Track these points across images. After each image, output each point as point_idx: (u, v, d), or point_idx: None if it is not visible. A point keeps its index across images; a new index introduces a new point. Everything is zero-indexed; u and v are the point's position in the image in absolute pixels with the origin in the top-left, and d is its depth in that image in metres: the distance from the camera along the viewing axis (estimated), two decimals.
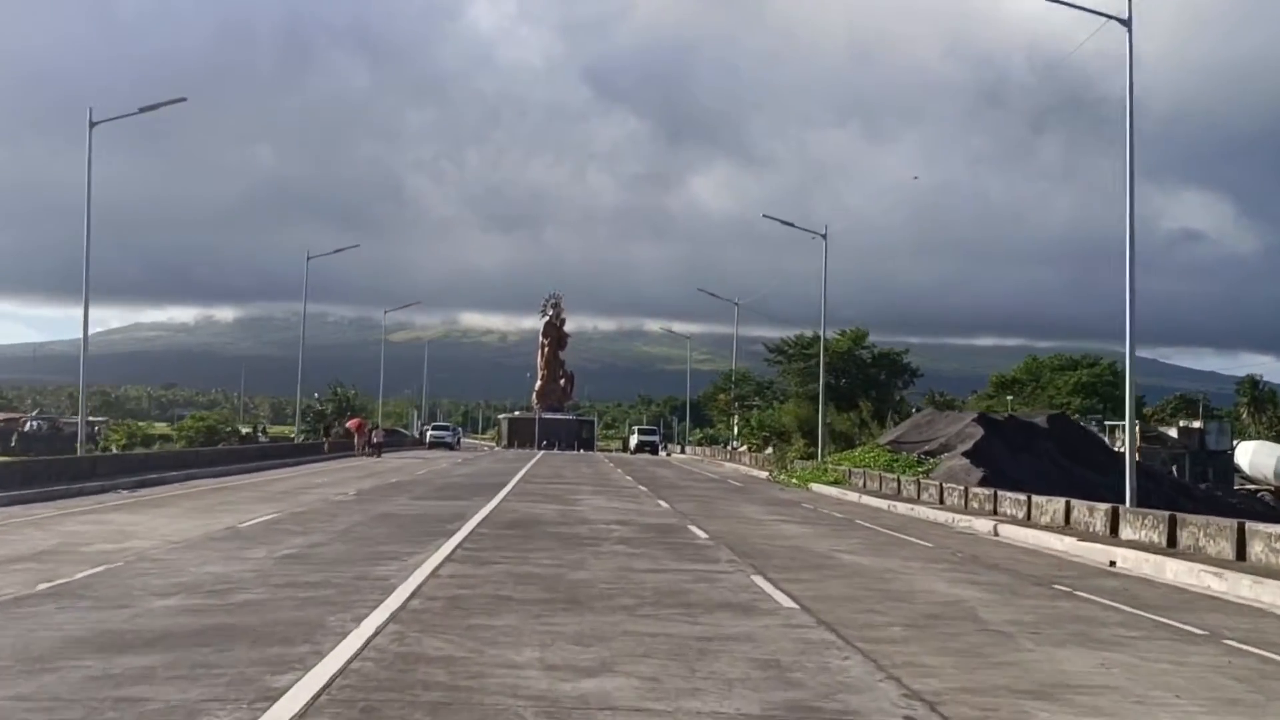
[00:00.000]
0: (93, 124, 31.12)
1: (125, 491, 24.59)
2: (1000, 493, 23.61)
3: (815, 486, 35.17)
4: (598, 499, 25.80)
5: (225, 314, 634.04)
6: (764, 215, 44.29)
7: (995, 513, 23.16)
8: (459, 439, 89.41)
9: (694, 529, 18.63)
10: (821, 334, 43.48)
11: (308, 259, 52.68)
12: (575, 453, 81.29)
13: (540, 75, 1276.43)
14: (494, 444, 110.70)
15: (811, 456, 43.51)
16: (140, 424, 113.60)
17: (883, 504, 27.74)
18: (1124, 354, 25.01)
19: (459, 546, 14.42)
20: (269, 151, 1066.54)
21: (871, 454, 37.66)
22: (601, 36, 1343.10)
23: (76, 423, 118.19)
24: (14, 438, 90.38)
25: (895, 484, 30.53)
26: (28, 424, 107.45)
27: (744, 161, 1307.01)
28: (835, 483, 35.16)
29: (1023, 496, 22.30)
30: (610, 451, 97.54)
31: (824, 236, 41.66)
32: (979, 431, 37.65)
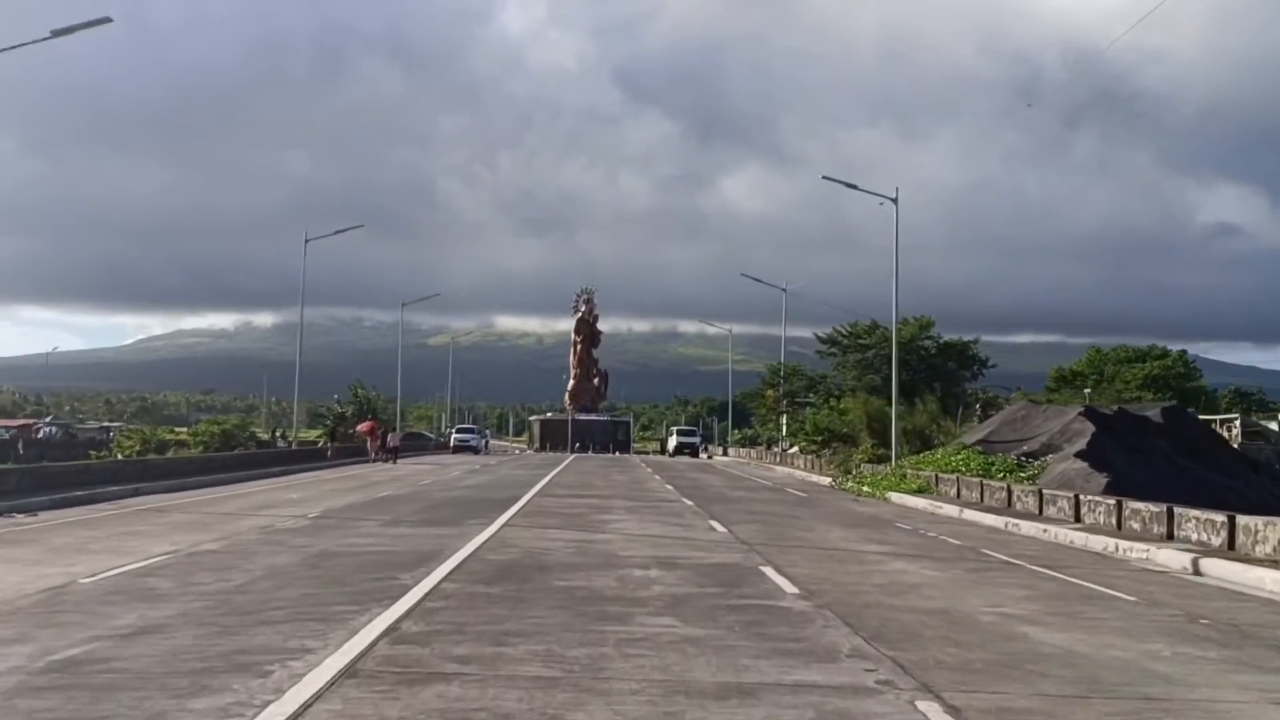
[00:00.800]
0: None
1: (21, 516, 19.02)
2: (1177, 509, 17.42)
3: (895, 496, 29.06)
4: (631, 520, 19.89)
5: (264, 319, 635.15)
6: (823, 177, 38.04)
7: (1171, 537, 17.00)
8: (486, 443, 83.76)
9: (772, 574, 12.63)
10: (894, 308, 37.11)
11: (306, 241, 47.15)
12: (609, 456, 75.99)
13: (571, 78, 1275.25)
14: (526, 447, 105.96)
15: (881, 459, 37.36)
16: (159, 429, 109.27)
17: (996, 521, 21.61)
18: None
19: (392, 630, 8.53)
20: (304, 158, 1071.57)
21: (959, 456, 31.47)
22: (632, 38, 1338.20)
23: (91, 428, 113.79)
24: (20, 444, 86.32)
25: (1004, 494, 24.35)
26: (40, 430, 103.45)
27: (776, 161, 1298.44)
28: (919, 491, 29.03)
29: (1219, 516, 16.12)
30: (647, 454, 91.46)
31: (895, 200, 35.53)
32: (1088, 428, 31.38)
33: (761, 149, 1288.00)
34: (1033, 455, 30.49)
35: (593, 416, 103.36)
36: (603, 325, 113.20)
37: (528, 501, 24.54)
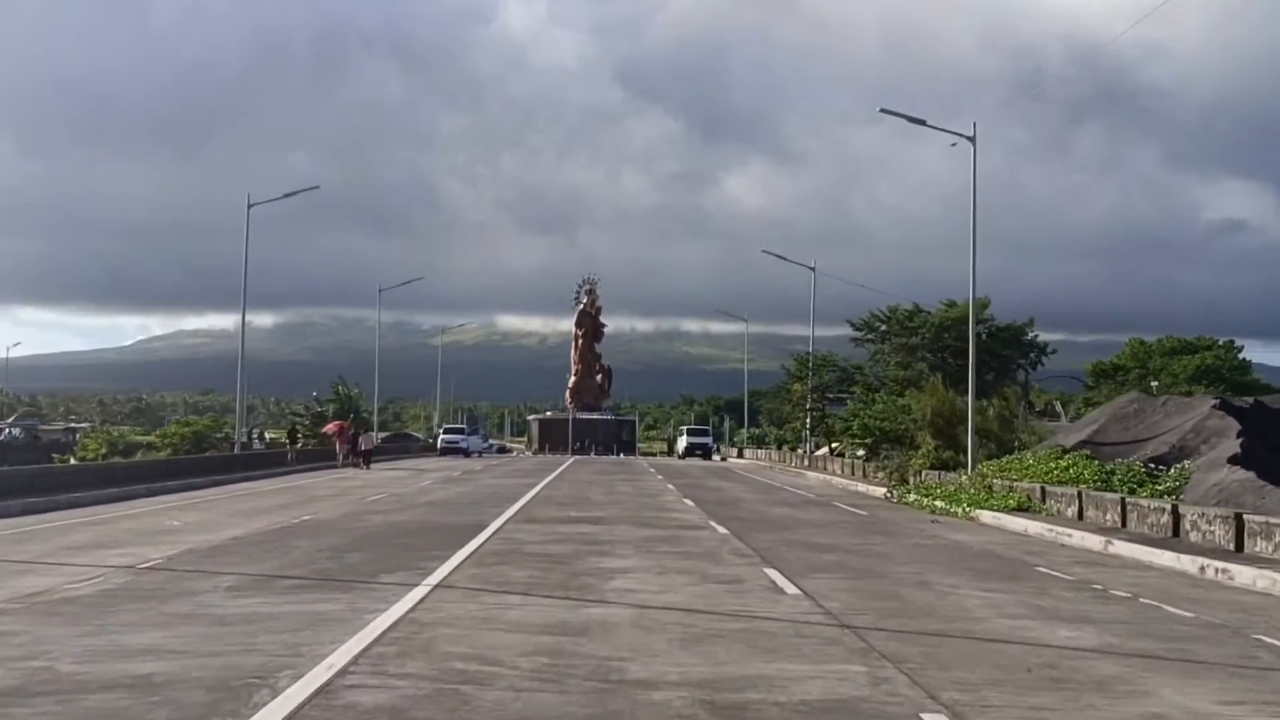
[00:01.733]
0: None
1: None
2: None
3: (987, 516, 22.03)
4: (644, 570, 12.85)
5: (264, 320, 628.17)
6: (881, 110, 30.51)
7: None
8: (489, 444, 76.13)
9: None
10: (972, 271, 29.79)
11: (249, 205, 39.94)
12: (613, 458, 69.57)
13: (573, 76, 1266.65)
14: (525, 449, 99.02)
15: (947, 465, 30.37)
16: (129, 431, 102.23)
17: (1177, 561, 14.63)
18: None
19: None
20: (304, 158, 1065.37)
21: (1062, 463, 24.46)
22: (633, 35, 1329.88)
23: (56, 429, 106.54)
24: None
25: (1164, 517, 17.33)
26: (4, 432, 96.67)
27: (779, 158, 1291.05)
28: (1020, 509, 22.06)
29: None
30: (653, 455, 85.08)
31: (972, 140, 28.43)
32: (1230, 425, 24.34)
33: (764, 146, 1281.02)
34: (1161, 460, 23.49)
35: (595, 415, 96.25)
36: (605, 324, 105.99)
37: (497, 530, 17.56)
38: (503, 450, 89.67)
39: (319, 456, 46.66)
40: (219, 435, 79.88)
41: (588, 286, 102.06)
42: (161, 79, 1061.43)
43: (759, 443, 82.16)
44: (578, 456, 70.81)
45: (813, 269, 53.90)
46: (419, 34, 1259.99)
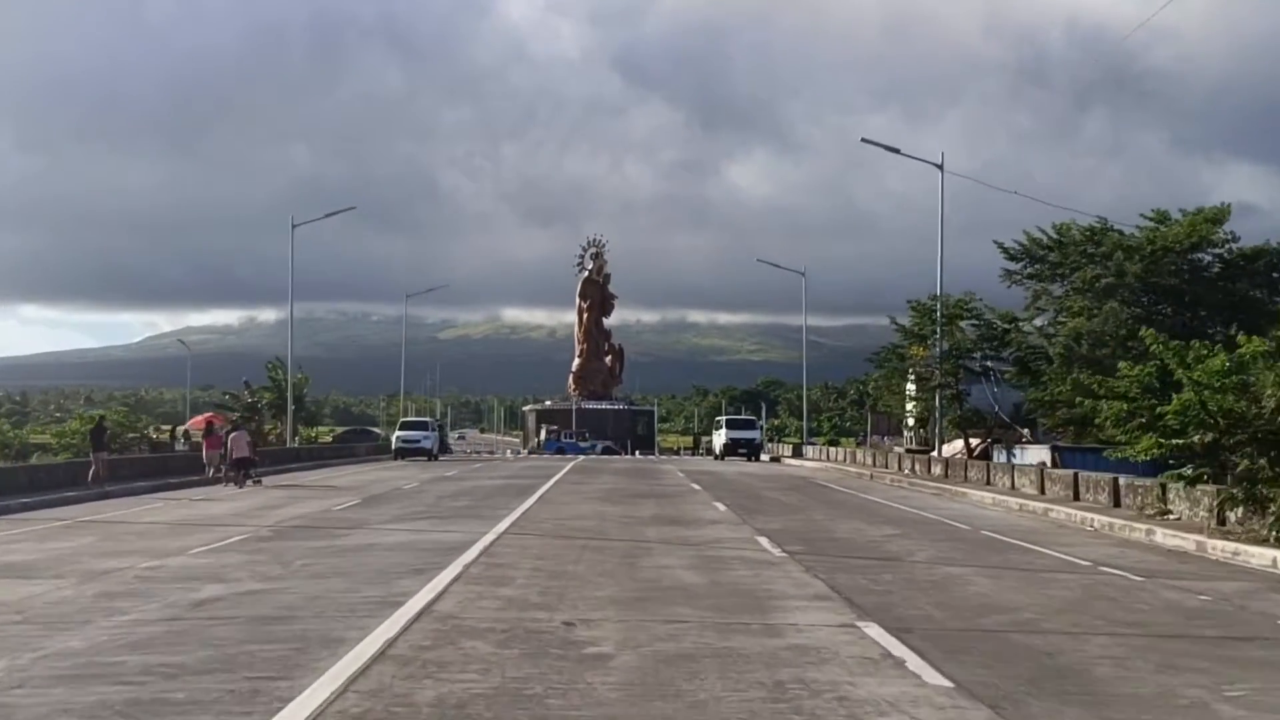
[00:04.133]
0: None
1: None
2: None
3: None
4: None
5: (268, 315, 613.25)
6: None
7: None
8: (440, 442, 55.55)
9: None
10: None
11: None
12: (628, 459, 54.53)
13: (573, 66, 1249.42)
14: (523, 447, 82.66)
15: None
16: (31, 429, 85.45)
17: None
18: None
19: None
20: (304, 151, 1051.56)
21: None
22: (631, 24, 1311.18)
23: None
24: None
25: None
26: None
27: (781, 147, 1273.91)
28: None
29: None
30: (676, 454, 68.36)
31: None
32: None
33: (766, 134, 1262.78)
34: None
35: (605, 405, 78.73)
36: (616, 295, 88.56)
37: None
38: (489, 453, 71.00)
39: (184, 468, 30.61)
40: (132, 435, 63.40)
41: (593, 250, 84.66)
42: (159, 73, 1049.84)
43: (779, 434, 67.49)
44: (582, 458, 54.45)
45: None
46: (416, 25, 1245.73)
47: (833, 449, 52.29)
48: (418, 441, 48.92)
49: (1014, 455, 34.35)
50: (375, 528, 16.41)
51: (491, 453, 71.26)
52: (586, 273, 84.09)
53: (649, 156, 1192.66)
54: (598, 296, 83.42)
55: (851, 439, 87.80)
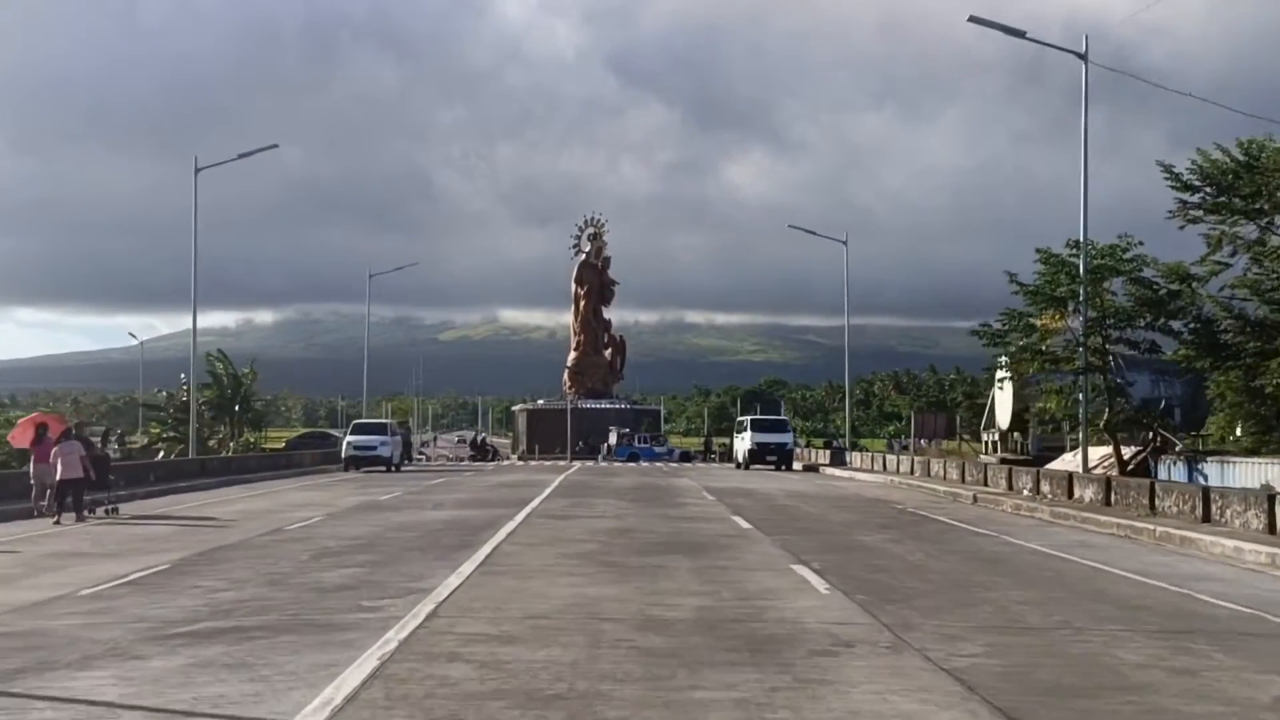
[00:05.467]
0: None
1: None
2: None
3: None
4: None
5: (264, 317, 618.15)
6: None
7: None
8: (402, 449, 45.80)
9: None
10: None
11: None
12: (635, 469, 44.93)
13: (568, 66, 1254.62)
14: (511, 451, 72.96)
15: None
16: None
17: None
18: None
19: None
20: (299, 151, 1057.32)
21: None
22: (627, 23, 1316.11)
23: None
24: None
25: None
26: None
27: (778, 146, 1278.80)
28: None
29: None
30: (689, 460, 58.22)
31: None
32: None
33: (763, 133, 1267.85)
34: None
35: (605, 404, 70.19)
36: (617, 281, 76.92)
37: None
38: (478, 456, 62.36)
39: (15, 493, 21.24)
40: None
41: (591, 230, 74.20)
42: (151, 73, 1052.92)
43: (831, 437, 65.02)
44: (579, 462, 52.21)
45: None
46: (411, 25, 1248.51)
47: (888, 457, 41.83)
48: (373, 449, 40.74)
49: (1201, 472, 26.21)
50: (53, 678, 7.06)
51: (497, 457, 62.78)
52: (584, 255, 74.04)
53: (646, 156, 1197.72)
54: (596, 282, 73.44)
55: (865, 439, 79.20)
